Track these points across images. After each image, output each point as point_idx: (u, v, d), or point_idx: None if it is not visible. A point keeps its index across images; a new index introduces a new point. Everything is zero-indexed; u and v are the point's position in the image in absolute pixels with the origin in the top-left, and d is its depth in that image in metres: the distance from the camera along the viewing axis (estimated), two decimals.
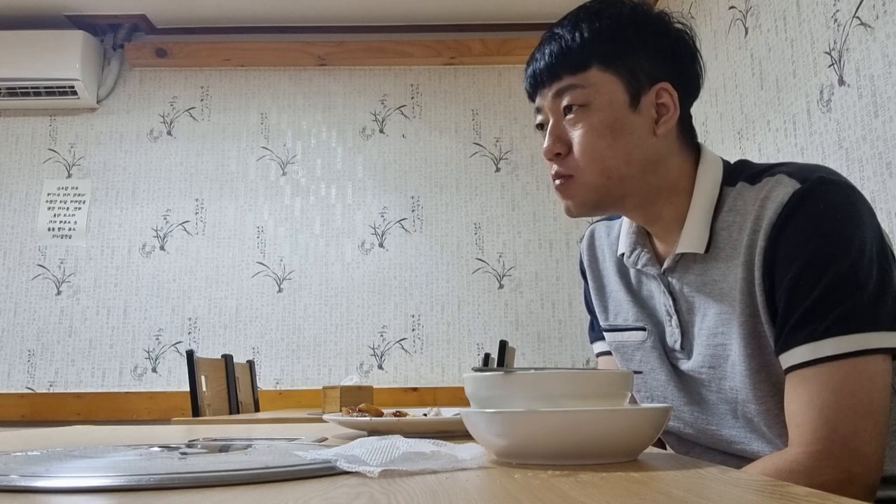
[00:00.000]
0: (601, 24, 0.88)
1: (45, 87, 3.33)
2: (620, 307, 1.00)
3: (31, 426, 3.06)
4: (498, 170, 3.44)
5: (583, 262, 1.09)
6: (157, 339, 3.27)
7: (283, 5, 3.32)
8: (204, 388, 2.23)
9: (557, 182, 0.90)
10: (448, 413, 0.97)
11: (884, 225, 1.52)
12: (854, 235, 0.76)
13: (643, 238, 0.96)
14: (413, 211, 3.40)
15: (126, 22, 3.44)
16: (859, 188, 0.81)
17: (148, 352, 3.26)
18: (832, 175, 0.81)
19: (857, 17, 1.64)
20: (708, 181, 0.88)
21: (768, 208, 0.80)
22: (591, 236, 1.08)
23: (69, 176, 3.43)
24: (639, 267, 0.95)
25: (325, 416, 0.97)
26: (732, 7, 2.35)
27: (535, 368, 0.65)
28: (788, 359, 0.76)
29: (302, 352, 3.26)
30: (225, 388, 2.43)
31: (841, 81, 1.71)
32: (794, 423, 0.75)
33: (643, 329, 0.96)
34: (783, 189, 0.80)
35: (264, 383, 3.19)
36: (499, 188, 3.42)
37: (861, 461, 0.71)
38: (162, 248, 3.36)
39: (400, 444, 0.56)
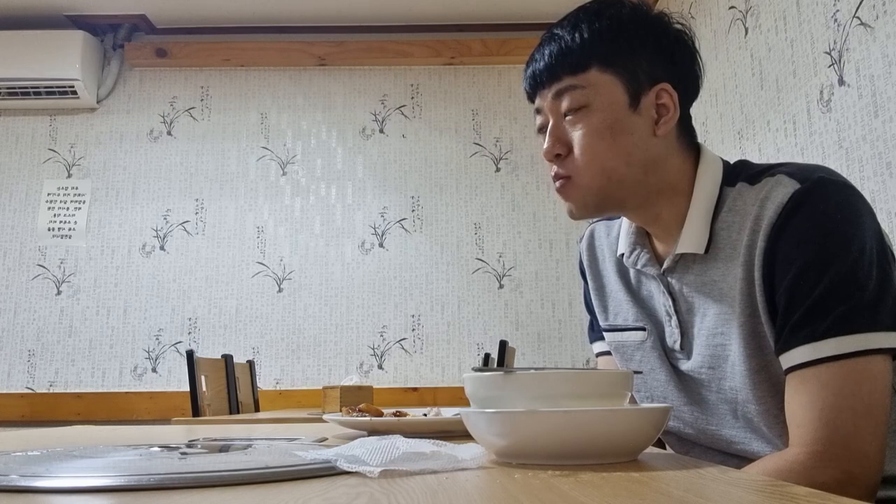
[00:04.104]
0: (601, 24, 0.87)
1: (45, 87, 3.33)
2: (620, 307, 1.00)
3: (31, 426, 3.06)
4: (498, 170, 3.44)
5: (582, 262, 1.09)
6: (157, 339, 3.27)
7: (283, 5, 3.32)
8: (204, 388, 2.23)
9: (558, 184, 0.90)
10: (448, 413, 0.96)
11: (884, 225, 1.52)
12: (854, 236, 0.76)
13: (643, 238, 0.96)
14: (413, 211, 3.40)
15: (126, 22, 3.44)
16: (859, 188, 0.81)
17: (148, 352, 3.26)
18: (832, 175, 0.81)
19: (857, 17, 1.64)
20: (708, 181, 0.88)
21: (768, 208, 0.80)
22: (591, 236, 1.08)
23: (69, 176, 3.43)
24: (638, 267, 0.95)
25: (325, 416, 0.97)
26: (732, 7, 2.35)
27: (535, 368, 0.65)
28: (788, 359, 0.76)
29: (302, 352, 3.26)
30: (225, 388, 2.43)
31: (841, 81, 1.71)
32: (795, 423, 0.75)
33: (643, 329, 0.96)
34: (783, 189, 0.80)
35: (264, 383, 3.19)
36: (499, 188, 3.42)
37: (861, 461, 0.71)
38: (162, 248, 3.36)
39: (400, 444, 0.56)
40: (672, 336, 0.92)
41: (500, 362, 2.45)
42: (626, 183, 0.87)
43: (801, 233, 0.77)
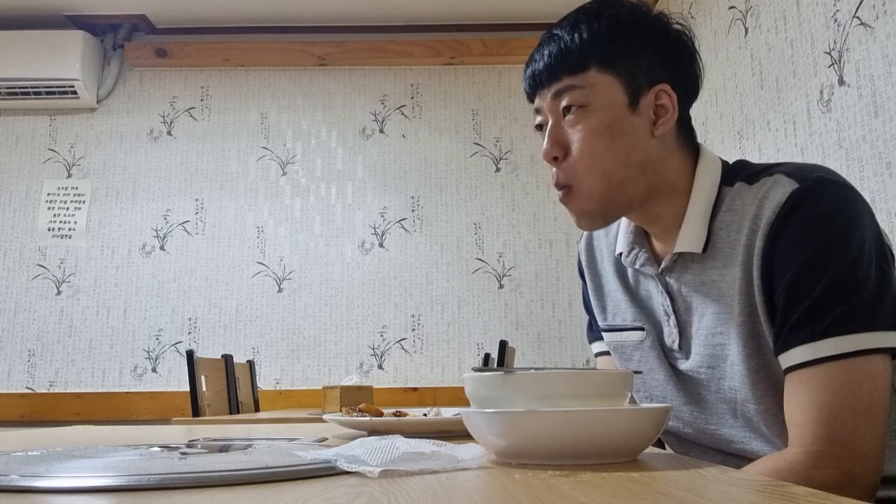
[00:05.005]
0: (600, 25, 0.88)
1: (45, 87, 3.33)
2: (619, 307, 1.00)
3: (31, 426, 3.06)
4: (498, 170, 3.44)
5: (581, 262, 1.09)
6: (157, 339, 3.27)
7: (283, 5, 3.32)
8: (204, 388, 2.23)
9: (560, 194, 0.90)
10: (448, 413, 0.97)
11: (884, 225, 1.53)
12: (853, 235, 0.76)
13: (641, 238, 0.96)
14: (413, 211, 3.40)
15: (126, 22, 3.44)
16: (859, 188, 0.81)
17: (148, 352, 3.26)
18: (830, 175, 0.81)
19: (857, 17, 1.64)
20: (706, 181, 0.88)
21: (766, 208, 0.80)
22: (590, 236, 1.08)
23: (69, 176, 3.43)
24: (637, 266, 0.95)
25: (325, 416, 0.97)
26: (732, 7, 2.35)
27: (535, 368, 0.65)
28: (788, 359, 0.76)
29: (302, 352, 3.26)
30: (225, 388, 2.43)
31: (841, 81, 1.71)
32: (794, 423, 0.75)
33: (641, 329, 0.96)
34: (781, 189, 0.80)
35: (264, 383, 3.19)
36: (499, 188, 3.42)
37: (861, 461, 0.71)
38: (162, 248, 3.36)
39: (400, 444, 0.56)
40: (670, 336, 0.92)
41: (500, 362, 2.45)
42: (626, 185, 0.87)
43: (799, 232, 0.77)
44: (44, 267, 3.34)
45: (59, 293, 3.31)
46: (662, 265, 0.91)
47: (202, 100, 3.52)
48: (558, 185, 0.90)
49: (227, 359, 2.49)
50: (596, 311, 1.05)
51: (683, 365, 0.91)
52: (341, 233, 3.38)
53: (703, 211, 0.87)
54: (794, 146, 1.94)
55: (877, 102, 1.57)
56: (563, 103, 0.88)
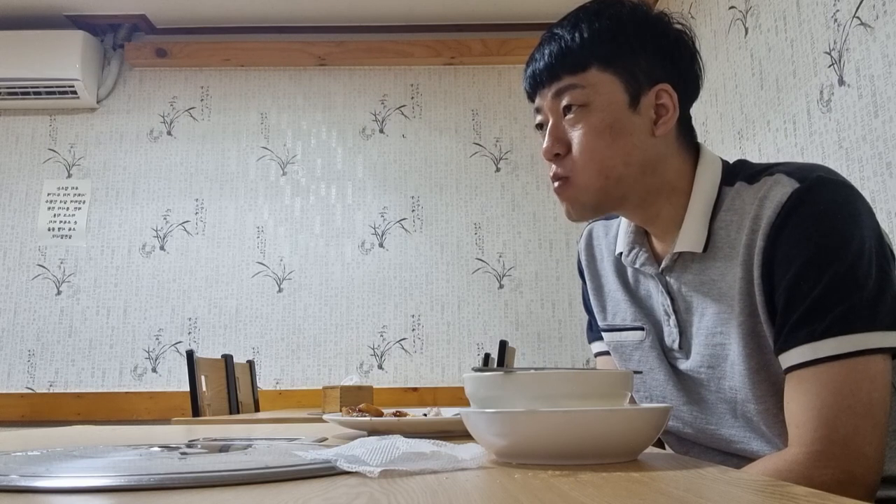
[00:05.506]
0: (601, 24, 0.88)
1: (45, 87, 3.33)
2: (618, 307, 1.00)
3: (31, 426, 3.06)
4: (498, 170, 3.44)
5: (581, 262, 1.09)
6: (157, 339, 3.27)
7: (283, 5, 3.32)
8: (204, 388, 2.23)
9: (556, 184, 0.90)
10: (448, 413, 0.96)
11: (884, 225, 1.53)
12: (853, 235, 0.76)
13: (641, 237, 0.96)
14: (413, 211, 3.40)
15: (126, 22, 3.44)
16: (859, 188, 0.81)
17: (148, 352, 3.26)
18: (831, 174, 0.81)
19: (857, 17, 1.64)
20: (706, 181, 0.88)
21: (767, 207, 0.80)
22: (589, 236, 1.08)
23: (69, 176, 3.43)
24: (637, 266, 0.95)
25: (325, 416, 0.97)
26: (732, 7, 2.35)
27: (535, 368, 0.65)
28: (788, 359, 0.76)
29: (302, 352, 3.26)
30: (225, 388, 2.43)
31: (841, 81, 1.71)
32: (794, 423, 0.75)
33: (641, 329, 0.96)
34: (782, 188, 0.80)
35: (264, 383, 3.19)
36: (499, 188, 3.42)
37: (861, 461, 0.71)
38: (162, 248, 3.36)
39: (400, 444, 0.56)
40: (670, 335, 0.92)
41: (500, 362, 2.45)
42: (624, 182, 0.88)
43: (800, 232, 0.77)
44: (44, 267, 3.34)
45: (59, 293, 3.31)
46: (662, 265, 0.91)
47: (202, 100, 3.52)
48: (556, 177, 0.90)
49: (227, 359, 2.49)
50: (596, 310, 1.05)
51: (683, 365, 0.91)
52: (341, 233, 3.38)
53: (704, 210, 0.87)
54: (794, 146, 1.94)
55: (877, 102, 1.57)
56: (564, 102, 0.88)
